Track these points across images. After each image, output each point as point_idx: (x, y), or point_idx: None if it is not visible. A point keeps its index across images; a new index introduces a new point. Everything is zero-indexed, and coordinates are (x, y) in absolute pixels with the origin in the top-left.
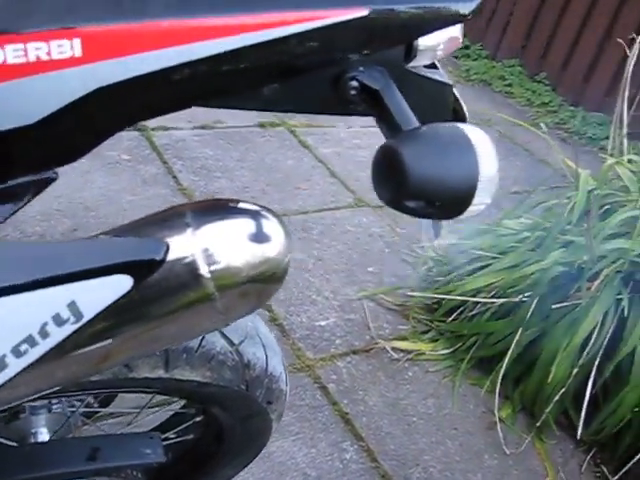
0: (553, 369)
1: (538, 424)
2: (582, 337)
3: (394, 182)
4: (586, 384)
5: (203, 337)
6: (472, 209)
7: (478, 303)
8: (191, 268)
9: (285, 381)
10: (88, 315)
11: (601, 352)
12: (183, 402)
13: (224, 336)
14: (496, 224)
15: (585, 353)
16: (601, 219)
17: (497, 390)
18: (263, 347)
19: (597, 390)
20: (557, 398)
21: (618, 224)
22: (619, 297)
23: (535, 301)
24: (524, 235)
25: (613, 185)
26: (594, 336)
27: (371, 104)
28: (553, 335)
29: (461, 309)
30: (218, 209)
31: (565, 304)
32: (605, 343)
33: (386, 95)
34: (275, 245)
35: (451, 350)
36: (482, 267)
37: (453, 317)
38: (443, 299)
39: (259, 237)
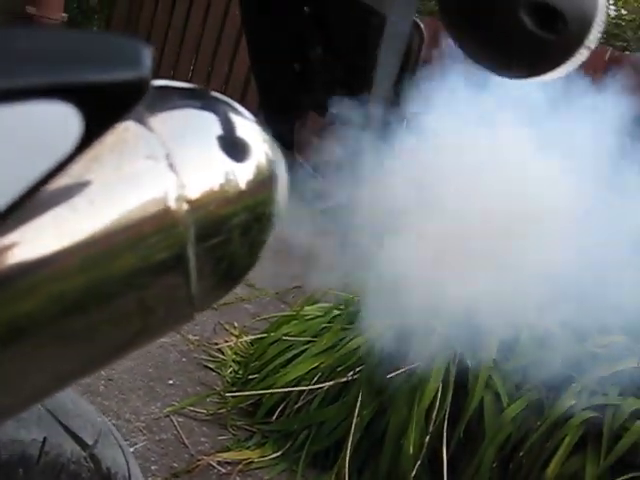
0: (406, 441)
1: None
2: (428, 401)
3: None
4: (440, 451)
5: (45, 440)
6: (581, 52)
7: (302, 393)
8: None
9: None
10: None
11: (448, 412)
12: None
13: (73, 435)
14: (297, 311)
15: (434, 417)
16: None
17: None
18: (122, 450)
19: (453, 454)
20: (413, 474)
21: None
22: (456, 350)
23: (367, 375)
24: (334, 313)
25: None
26: (439, 396)
27: None
28: (395, 407)
29: (284, 404)
30: (173, 93)
31: (402, 370)
32: (451, 401)
33: None
34: (264, 162)
35: (282, 451)
36: (297, 355)
37: (277, 415)
38: (262, 397)
39: (241, 147)
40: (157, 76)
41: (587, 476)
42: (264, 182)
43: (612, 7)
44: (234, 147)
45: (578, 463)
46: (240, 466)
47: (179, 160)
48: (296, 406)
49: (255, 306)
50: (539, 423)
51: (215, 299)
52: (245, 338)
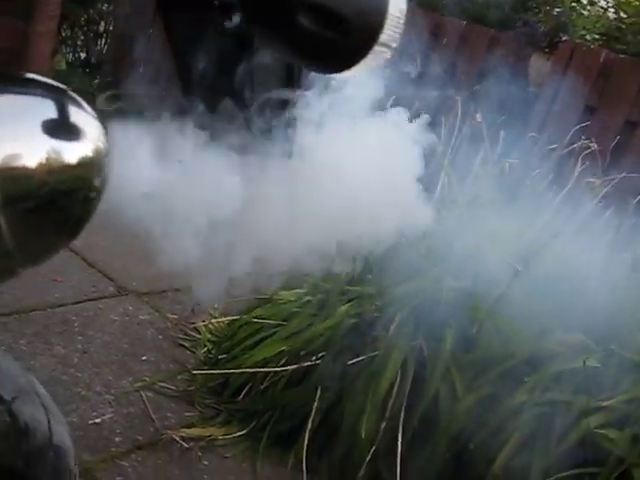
0: (361, 427)
1: None
2: (385, 388)
3: None
4: (396, 438)
5: None
6: (378, 50)
7: (268, 374)
8: None
9: (74, 460)
10: None
11: (406, 400)
12: None
13: None
14: (273, 295)
15: (390, 405)
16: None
17: (304, 465)
18: (44, 408)
19: (408, 442)
20: (368, 459)
21: (403, 269)
22: (415, 341)
23: (329, 361)
24: (306, 299)
25: None
26: (396, 385)
27: None
28: (354, 393)
29: (250, 385)
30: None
31: (361, 358)
32: (408, 390)
33: None
34: (87, 144)
35: (246, 430)
36: (266, 337)
37: (243, 395)
38: (229, 377)
39: (64, 129)
40: None
41: (535, 470)
42: (85, 162)
43: (612, 10)
44: (57, 128)
45: (527, 457)
46: (203, 442)
47: None
48: (261, 387)
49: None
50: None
51: (39, 258)
52: (222, 319)
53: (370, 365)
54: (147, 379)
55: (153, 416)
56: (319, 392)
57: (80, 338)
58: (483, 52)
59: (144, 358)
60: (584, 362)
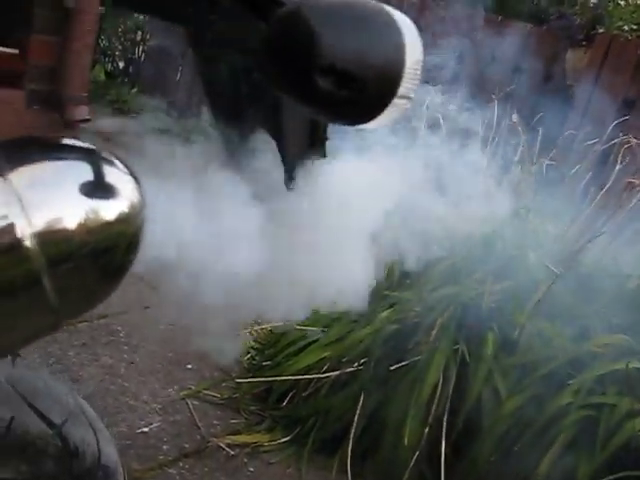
0: (405, 432)
1: None
2: (428, 393)
3: (301, 52)
4: (439, 442)
5: (12, 419)
6: (398, 102)
7: (311, 381)
8: (6, 231)
9: (123, 477)
10: None
11: (449, 404)
12: None
13: (41, 415)
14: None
15: (433, 409)
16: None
17: (348, 469)
18: (92, 430)
19: (452, 445)
20: (412, 463)
21: (440, 274)
22: (457, 345)
23: (371, 367)
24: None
25: None
26: (439, 389)
27: None
28: (397, 398)
29: (294, 391)
30: (36, 148)
31: (404, 363)
32: (451, 394)
33: None
34: (122, 201)
35: (291, 436)
36: (309, 344)
37: (287, 401)
38: (273, 383)
39: (99, 189)
40: None
41: (580, 473)
42: (121, 218)
43: None
44: (93, 189)
45: (573, 460)
46: (248, 449)
47: (31, 204)
48: (304, 393)
49: None
50: (536, 419)
51: (82, 311)
52: (265, 326)
53: (412, 370)
54: (192, 387)
55: (199, 424)
56: (362, 398)
57: (126, 348)
58: (519, 47)
59: (189, 367)
60: (627, 365)
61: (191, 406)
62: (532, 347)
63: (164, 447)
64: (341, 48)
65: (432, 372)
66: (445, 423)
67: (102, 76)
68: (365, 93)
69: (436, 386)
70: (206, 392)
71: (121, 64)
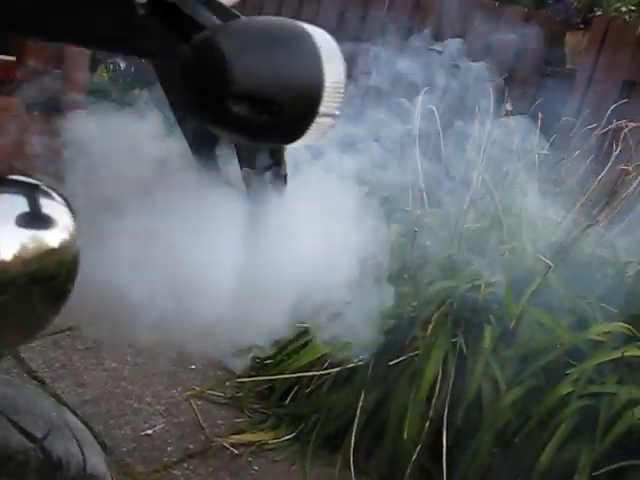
0: (405, 427)
1: None
2: (427, 387)
3: (213, 79)
4: (440, 435)
5: None
6: (320, 121)
7: (313, 378)
8: None
9: None
10: None
11: (448, 398)
12: None
13: (21, 430)
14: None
15: (433, 403)
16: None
17: (351, 465)
18: (77, 441)
19: (453, 439)
20: (415, 457)
21: (437, 267)
22: (454, 339)
23: (371, 362)
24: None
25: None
26: (438, 383)
27: (164, 16)
28: (397, 392)
29: (296, 388)
30: None
31: (402, 358)
32: (450, 388)
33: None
34: (57, 231)
35: (294, 434)
36: (309, 341)
37: (290, 398)
38: (275, 381)
39: (35, 220)
40: None
41: (582, 463)
42: (56, 250)
43: None
44: (29, 221)
45: (573, 450)
46: (253, 447)
47: None
48: (307, 390)
49: None
50: (536, 410)
51: (21, 340)
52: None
53: (411, 365)
54: (196, 388)
55: (203, 424)
56: (363, 394)
57: (130, 350)
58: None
59: (192, 367)
60: (622, 353)
61: (195, 407)
62: (530, 338)
63: (168, 449)
64: (254, 73)
65: (431, 366)
66: (446, 416)
67: (105, 77)
68: (283, 115)
69: (435, 380)
70: (210, 392)
71: (122, 65)
